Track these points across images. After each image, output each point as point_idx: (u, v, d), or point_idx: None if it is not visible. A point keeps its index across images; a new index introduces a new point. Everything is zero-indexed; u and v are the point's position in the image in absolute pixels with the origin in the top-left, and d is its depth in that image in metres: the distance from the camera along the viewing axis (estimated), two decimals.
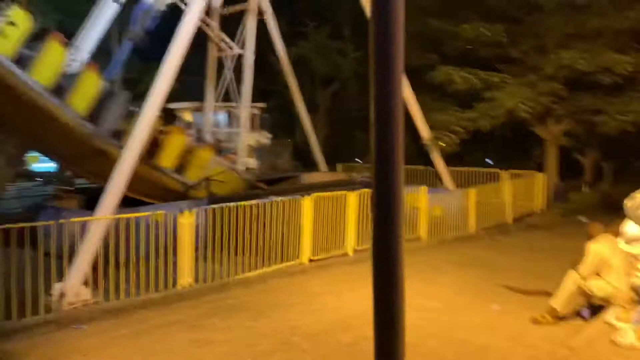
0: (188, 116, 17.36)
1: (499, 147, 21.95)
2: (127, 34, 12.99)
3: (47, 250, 9.41)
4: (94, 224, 8.97)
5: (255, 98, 22.28)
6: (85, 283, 8.45)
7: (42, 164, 24.39)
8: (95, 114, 11.33)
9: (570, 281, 7.03)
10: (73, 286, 8.38)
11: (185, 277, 8.64)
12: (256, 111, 17.90)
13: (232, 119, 17.62)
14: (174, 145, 12.95)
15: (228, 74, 16.38)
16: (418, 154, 19.47)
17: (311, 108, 20.45)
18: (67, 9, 25.94)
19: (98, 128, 11.24)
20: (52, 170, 21.18)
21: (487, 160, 22.15)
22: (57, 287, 8.35)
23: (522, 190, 16.12)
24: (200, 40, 22.94)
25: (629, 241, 5.60)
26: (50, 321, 7.10)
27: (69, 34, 14.55)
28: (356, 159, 20.78)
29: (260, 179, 15.46)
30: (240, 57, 16.10)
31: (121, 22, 27.27)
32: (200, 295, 8.41)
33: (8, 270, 7.76)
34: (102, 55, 28.94)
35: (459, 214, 14.02)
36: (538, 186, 16.75)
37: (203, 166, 13.56)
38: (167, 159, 12.69)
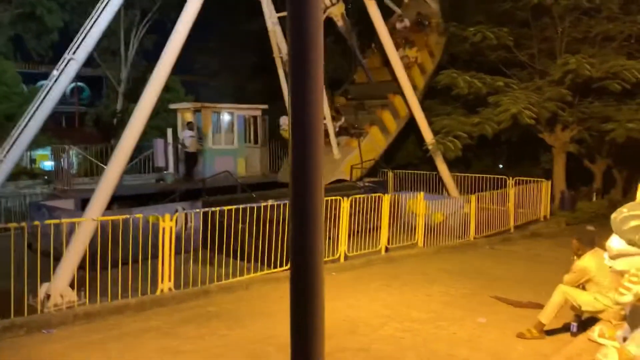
0: (189, 116, 17.27)
1: (508, 153, 21.53)
2: None
3: (36, 250, 9.39)
4: (82, 225, 8.89)
5: (262, 99, 22.20)
6: (72, 285, 8.38)
7: (50, 162, 24.58)
8: None
9: (559, 295, 6.74)
10: (58, 288, 8.30)
11: (165, 282, 8.47)
12: (256, 113, 17.78)
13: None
14: None
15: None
16: (424, 159, 19.21)
17: None
18: (76, 8, 26.15)
19: None
20: (53, 168, 21.29)
21: (500, 166, 21.73)
22: (42, 289, 8.28)
23: (527, 198, 15.74)
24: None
25: (614, 257, 5.30)
26: (20, 325, 6.96)
27: (74, 33, 14.57)
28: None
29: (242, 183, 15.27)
30: None
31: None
32: (180, 302, 8.24)
33: None
34: (110, 55, 29.18)
35: (460, 220, 13.71)
36: (543, 193, 16.35)
37: None
38: None
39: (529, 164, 20.32)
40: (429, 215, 13.17)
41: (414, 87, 17.70)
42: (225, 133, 17.49)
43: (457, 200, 14.57)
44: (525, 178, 16.18)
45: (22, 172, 20.66)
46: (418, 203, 12.86)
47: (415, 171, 18.69)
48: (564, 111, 16.42)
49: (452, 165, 17.89)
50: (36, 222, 9.33)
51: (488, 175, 16.79)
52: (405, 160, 21.44)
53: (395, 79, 17.30)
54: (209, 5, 11.55)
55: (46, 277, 8.12)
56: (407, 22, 20.78)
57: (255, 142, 18.06)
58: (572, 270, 6.75)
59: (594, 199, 18.34)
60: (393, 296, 8.86)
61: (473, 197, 13.89)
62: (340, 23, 17.12)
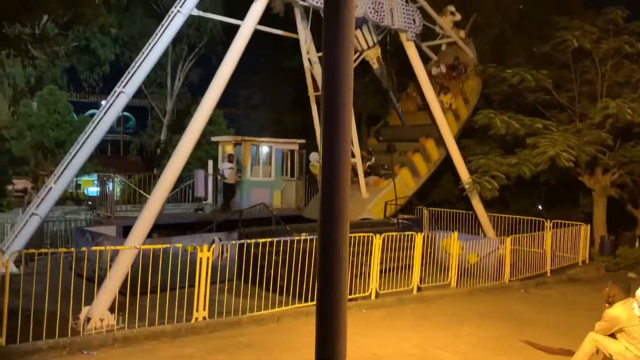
0: (229, 149, 17.81)
1: (547, 195, 21.23)
2: None
3: (80, 273, 9.84)
4: (124, 252, 9.30)
5: (299, 132, 22.64)
6: (111, 309, 8.73)
7: (94, 188, 25.58)
8: None
9: (589, 343, 6.66)
10: (99, 311, 8.66)
11: (200, 311, 8.73)
12: (294, 147, 18.20)
13: None
14: None
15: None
16: (460, 197, 19.14)
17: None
18: (127, 42, 27.51)
19: None
20: (98, 195, 22.17)
21: (539, 207, 21.42)
22: (83, 311, 8.66)
23: (565, 241, 15.47)
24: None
25: None
26: (64, 345, 7.31)
27: (125, 67, 15.42)
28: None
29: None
30: None
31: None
32: (213, 331, 8.47)
33: (42, 292, 8.17)
34: (156, 87, 30.40)
35: (495, 262, 13.58)
36: (582, 237, 16.03)
37: None
38: None
39: (568, 206, 19.98)
40: (463, 256, 13.10)
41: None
42: (263, 166, 17.94)
43: (492, 241, 14.44)
44: (563, 221, 15.94)
45: (68, 197, 21.59)
46: (452, 242, 12.83)
47: (451, 210, 18.63)
48: (604, 154, 16.22)
49: (489, 205, 17.78)
50: (83, 248, 9.79)
51: (525, 217, 16.60)
52: (441, 197, 21.40)
53: (431, 120, 17.49)
54: (253, 42, 12.13)
55: (88, 301, 8.50)
56: (442, 69, 21.07)
57: (292, 175, 18.41)
58: (603, 318, 6.68)
59: (637, 245, 17.84)
60: (422, 336, 8.86)
61: (509, 239, 13.76)
62: (375, 66, 17.47)
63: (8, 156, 23.21)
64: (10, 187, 22.85)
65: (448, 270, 12.62)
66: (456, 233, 13.12)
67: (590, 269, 15.53)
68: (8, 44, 5.81)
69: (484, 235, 17.04)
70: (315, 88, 18.96)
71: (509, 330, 9.29)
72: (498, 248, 13.77)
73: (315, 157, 17.72)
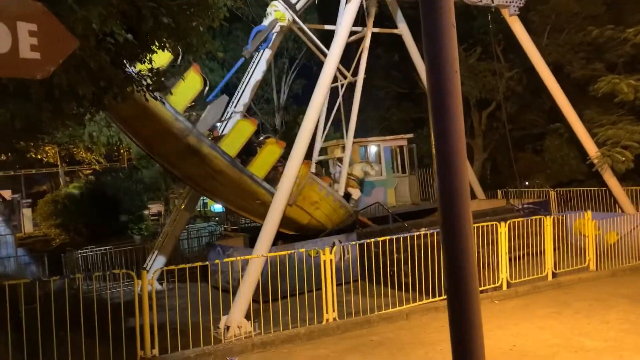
0: (338, 152, 18.03)
1: None
2: (242, 52, 14.00)
3: (215, 285, 10.51)
4: (253, 261, 9.78)
5: (406, 127, 22.38)
6: (247, 316, 9.22)
7: (218, 205, 27.15)
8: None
9: None
10: (236, 319, 9.18)
11: (330, 313, 8.91)
12: (402, 143, 17.95)
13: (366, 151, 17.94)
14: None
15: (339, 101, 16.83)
16: (589, 174, 17.76)
17: (466, 133, 19.86)
18: (233, 65, 28.91)
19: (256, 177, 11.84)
20: (223, 211, 23.47)
21: None
22: (222, 320, 9.24)
23: None
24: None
25: None
26: (209, 353, 7.83)
27: (233, 89, 16.27)
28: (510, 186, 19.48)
29: (397, 212, 15.31)
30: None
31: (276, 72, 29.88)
32: (344, 331, 8.60)
33: (185, 304, 8.87)
34: (264, 103, 31.58)
35: (638, 240, 12.41)
36: None
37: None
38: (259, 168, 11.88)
39: None
40: (600, 236, 12.13)
41: None
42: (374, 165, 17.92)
43: (633, 217, 13.22)
44: None
45: (197, 215, 23.13)
46: (586, 223, 11.93)
47: (581, 188, 17.32)
48: None
49: (623, 178, 16.30)
50: (216, 261, 10.45)
51: None
52: (568, 177, 19.97)
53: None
54: (349, 43, 12.18)
55: (225, 310, 9.04)
56: None
57: (403, 171, 18.20)
58: None
59: None
60: (563, 324, 8.31)
61: None
62: None
63: (142, 184, 25.45)
64: (146, 212, 24.98)
65: (584, 252, 11.75)
66: (589, 212, 12.18)
67: None
68: (131, 82, 6.34)
69: (622, 211, 15.63)
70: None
71: None
72: None
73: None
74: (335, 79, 14.35)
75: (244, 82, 14.91)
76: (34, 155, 24.31)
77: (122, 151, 29.45)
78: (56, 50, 2.11)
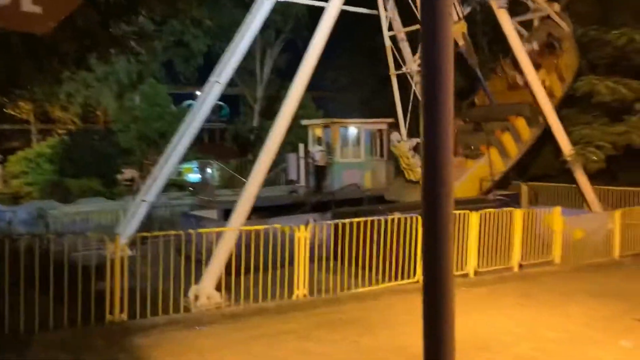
0: (319, 132, 18.04)
1: None
2: None
3: (188, 255, 10.48)
4: (227, 234, 9.78)
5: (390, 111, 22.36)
6: (218, 288, 9.25)
7: (195, 175, 26.95)
8: None
9: None
10: (206, 290, 9.21)
11: (300, 289, 9.02)
12: (382, 127, 18.05)
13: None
14: None
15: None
16: (562, 170, 18.13)
17: None
18: (218, 33, 28.44)
19: None
20: (199, 181, 23.30)
21: None
22: (192, 290, 9.25)
23: None
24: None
25: None
26: (178, 321, 7.86)
27: (216, 57, 16.02)
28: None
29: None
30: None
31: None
32: (314, 307, 8.72)
33: (156, 273, 8.83)
34: (247, 75, 31.25)
35: (602, 238, 12.79)
36: None
37: None
38: None
39: None
40: (567, 232, 12.47)
41: (539, 113, 16.75)
42: (353, 147, 17.99)
43: (599, 216, 13.61)
44: None
45: (172, 184, 22.91)
46: (555, 218, 12.24)
47: (552, 184, 17.68)
48: None
49: (594, 177, 16.70)
50: (191, 231, 10.41)
51: (636, 189, 15.43)
52: (541, 171, 20.36)
53: (527, 89, 16.59)
54: (338, 23, 12.13)
55: (197, 281, 9.04)
56: (535, 45, 19.65)
57: (381, 155, 18.32)
58: None
59: None
60: (527, 315, 8.57)
61: (618, 213, 12.89)
62: (461, 42, 16.73)
63: (116, 148, 25.05)
64: (119, 177, 24.65)
65: (550, 247, 12.07)
66: (559, 208, 12.49)
67: None
68: (116, 43, 6.23)
69: (589, 209, 16.07)
70: (397, 67, 18.61)
71: (622, 309, 8.74)
72: (606, 222, 12.95)
73: (396, 137, 17.36)
74: None
75: (228, 52, 14.69)
76: (6, 110, 23.69)
77: (98, 113, 28.95)
78: (58, 6, 2.06)
